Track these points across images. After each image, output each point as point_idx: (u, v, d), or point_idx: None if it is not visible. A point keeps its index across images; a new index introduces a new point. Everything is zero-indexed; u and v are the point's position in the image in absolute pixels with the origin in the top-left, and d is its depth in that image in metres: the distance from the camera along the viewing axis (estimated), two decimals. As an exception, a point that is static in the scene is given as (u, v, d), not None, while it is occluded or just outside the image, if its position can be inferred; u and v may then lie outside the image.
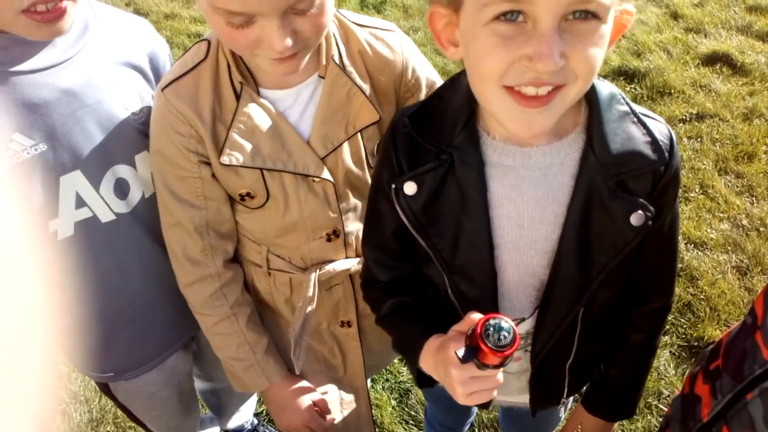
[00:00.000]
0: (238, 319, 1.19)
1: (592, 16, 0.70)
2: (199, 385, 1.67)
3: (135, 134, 1.13)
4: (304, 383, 1.28)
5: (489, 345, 0.77)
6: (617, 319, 1.05)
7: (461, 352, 0.80)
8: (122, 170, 1.13)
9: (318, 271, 1.18)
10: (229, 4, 0.84)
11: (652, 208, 0.85)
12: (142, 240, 1.19)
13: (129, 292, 1.22)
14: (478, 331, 0.78)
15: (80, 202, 1.09)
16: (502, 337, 0.77)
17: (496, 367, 0.80)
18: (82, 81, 1.05)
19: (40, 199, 1.04)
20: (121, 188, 1.14)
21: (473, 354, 0.79)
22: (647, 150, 0.85)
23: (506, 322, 0.78)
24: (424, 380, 1.03)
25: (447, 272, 0.93)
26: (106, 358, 1.28)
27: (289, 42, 0.88)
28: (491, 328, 0.78)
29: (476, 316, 0.82)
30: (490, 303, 0.93)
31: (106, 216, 1.13)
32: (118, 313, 1.23)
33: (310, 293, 1.18)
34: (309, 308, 1.19)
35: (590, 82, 0.76)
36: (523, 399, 1.11)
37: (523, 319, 0.97)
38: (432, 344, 0.92)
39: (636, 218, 0.85)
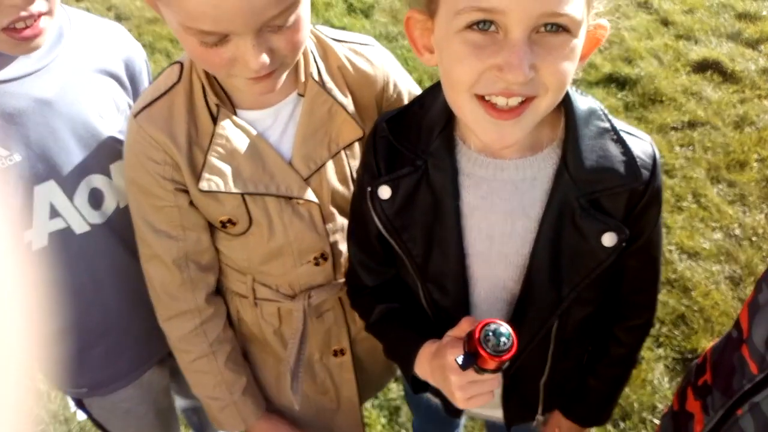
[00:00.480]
0: (217, 358, 1.15)
1: (563, 29, 0.70)
2: (179, 402, 1.64)
3: (110, 143, 1.11)
4: (281, 424, 1.25)
5: (488, 350, 0.77)
6: (599, 333, 1.05)
7: (461, 359, 0.80)
8: (97, 180, 1.11)
9: (307, 297, 1.14)
10: (200, 23, 0.80)
11: (626, 230, 0.84)
12: (116, 252, 1.17)
13: (103, 304, 1.19)
14: (477, 336, 0.78)
15: (54, 213, 1.07)
16: (501, 343, 0.77)
17: (495, 371, 0.80)
18: (57, 89, 1.04)
19: (16, 210, 1.02)
20: (96, 198, 1.12)
21: (473, 360, 0.79)
22: (623, 169, 0.84)
23: (504, 327, 0.78)
24: (419, 386, 1.02)
25: (420, 279, 0.93)
26: (81, 373, 1.26)
27: (265, 59, 0.84)
28: (490, 334, 0.78)
29: (472, 321, 0.82)
30: (462, 314, 0.92)
31: (80, 227, 1.11)
32: (92, 326, 1.20)
33: (301, 321, 1.15)
34: (300, 337, 1.16)
35: (561, 95, 0.76)
36: (498, 413, 1.10)
37: None
38: (427, 350, 0.92)
39: (608, 239, 0.84)
